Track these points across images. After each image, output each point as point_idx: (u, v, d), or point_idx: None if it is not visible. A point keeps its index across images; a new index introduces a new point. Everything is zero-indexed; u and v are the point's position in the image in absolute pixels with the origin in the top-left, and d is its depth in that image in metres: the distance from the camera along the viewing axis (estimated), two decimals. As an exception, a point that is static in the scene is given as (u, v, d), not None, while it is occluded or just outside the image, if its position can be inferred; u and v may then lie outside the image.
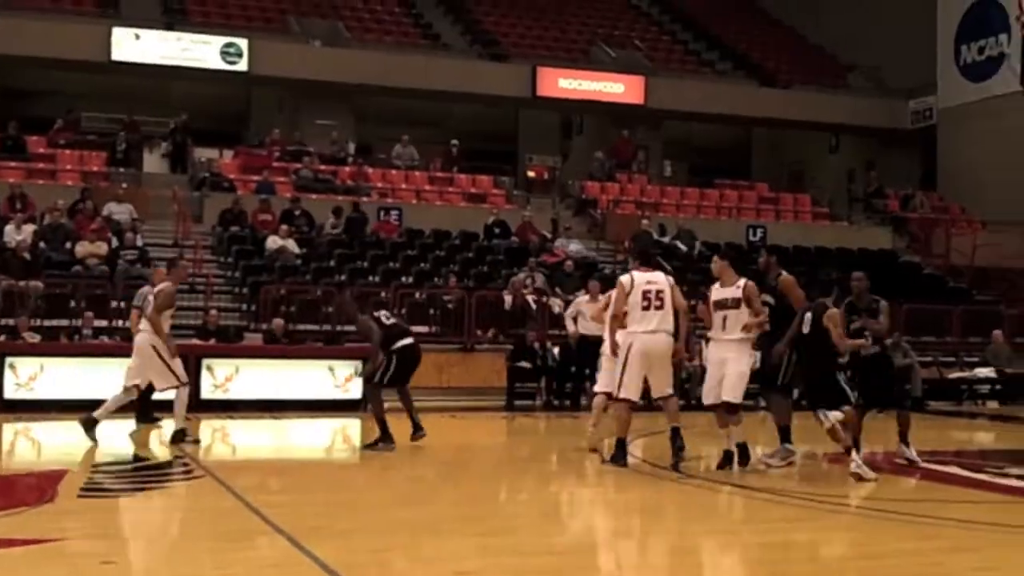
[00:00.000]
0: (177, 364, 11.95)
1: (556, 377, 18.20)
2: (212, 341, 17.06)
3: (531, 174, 32.89)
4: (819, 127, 32.33)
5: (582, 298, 17.24)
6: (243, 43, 27.07)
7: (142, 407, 13.12)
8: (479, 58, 30.46)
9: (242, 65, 27.03)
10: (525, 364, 18.14)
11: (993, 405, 20.56)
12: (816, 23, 35.74)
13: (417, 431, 11.76)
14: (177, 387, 11.91)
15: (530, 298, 20.25)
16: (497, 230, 23.88)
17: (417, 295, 20.40)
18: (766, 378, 11.06)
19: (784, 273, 10.91)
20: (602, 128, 31.41)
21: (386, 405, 11.86)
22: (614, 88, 29.98)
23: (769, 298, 10.58)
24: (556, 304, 19.94)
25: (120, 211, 21.69)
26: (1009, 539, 7.61)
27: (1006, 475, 10.62)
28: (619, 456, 10.36)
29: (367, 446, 11.91)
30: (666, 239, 24.47)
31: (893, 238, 27.94)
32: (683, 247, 24.41)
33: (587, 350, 17.17)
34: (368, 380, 12.81)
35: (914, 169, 32.77)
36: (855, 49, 33.95)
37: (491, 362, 18.98)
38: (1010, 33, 28.60)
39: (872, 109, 32.07)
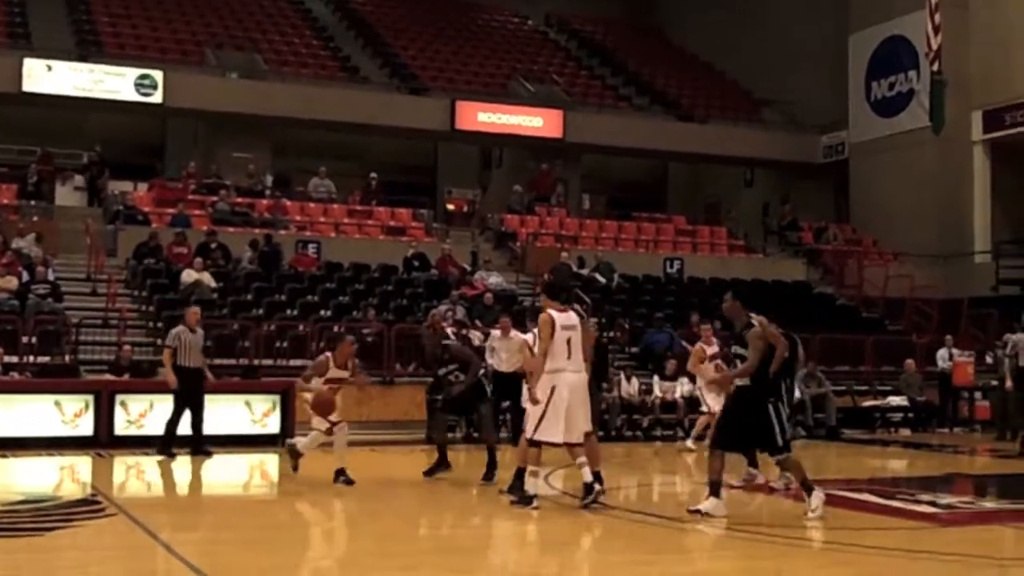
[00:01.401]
0: None
1: (473, 412, 18.08)
2: (126, 376, 16.75)
3: (450, 207, 32.94)
4: (734, 161, 32.82)
5: (495, 333, 17.20)
6: (158, 75, 26.77)
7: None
8: (398, 91, 30.46)
9: (157, 97, 26.71)
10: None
11: (905, 433, 20.93)
12: (732, 59, 36.37)
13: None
14: None
15: (450, 331, 20.17)
16: (416, 263, 23.83)
17: (336, 328, 20.20)
18: (763, 438, 10.47)
19: (755, 317, 9.85)
20: (521, 161, 31.57)
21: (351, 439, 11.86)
22: (533, 122, 30.17)
23: (742, 350, 9.63)
24: (476, 337, 19.89)
25: (25, 244, 21.25)
26: (920, 565, 7.74)
27: (918, 501, 10.80)
28: (517, 487, 10.28)
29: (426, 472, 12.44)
30: (585, 271, 24.62)
31: (807, 270, 28.40)
32: (602, 279, 24.57)
33: (503, 385, 17.14)
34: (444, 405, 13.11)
35: (827, 202, 33.37)
36: (769, 84, 34.59)
37: (411, 395, 18.87)
38: (919, 70, 29.29)
39: (786, 143, 32.65)
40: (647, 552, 8.45)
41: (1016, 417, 17.63)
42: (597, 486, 10.04)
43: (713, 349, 17.63)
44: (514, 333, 15.34)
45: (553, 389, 9.91)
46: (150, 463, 13.90)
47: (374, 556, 8.07)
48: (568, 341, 9.98)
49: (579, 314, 10.58)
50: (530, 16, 39.36)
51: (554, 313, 10.02)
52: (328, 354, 12.17)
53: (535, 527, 9.63)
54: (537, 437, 10.02)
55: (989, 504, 11.43)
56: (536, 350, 10.52)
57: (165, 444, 14.34)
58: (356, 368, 12.42)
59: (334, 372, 11.97)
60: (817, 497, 9.38)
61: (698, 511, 9.39)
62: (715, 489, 9.47)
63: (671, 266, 26.44)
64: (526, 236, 26.78)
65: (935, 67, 27.76)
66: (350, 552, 8.12)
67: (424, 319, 20.76)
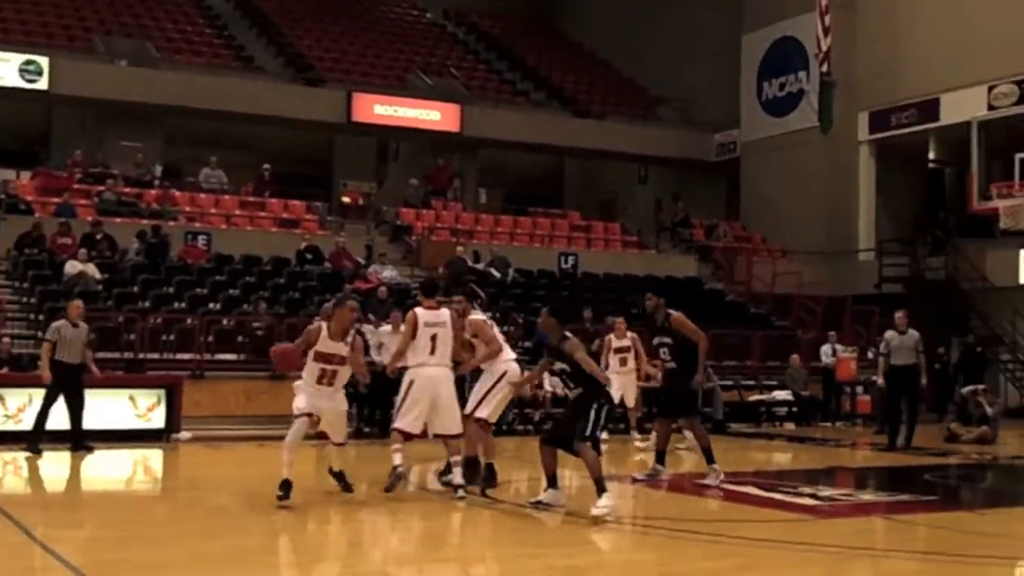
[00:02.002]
0: None
1: (367, 405, 18.04)
2: (4, 370, 16.29)
3: (345, 200, 32.69)
4: (630, 158, 33.13)
5: (385, 328, 17.17)
6: (44, 61, 26.07)
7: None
8: (293, 82, 30.11)
9: (42, 83, 26.02)
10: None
11: (790, 426, 21.38)
12: (628, 57, 36.71)
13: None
14: None
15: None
16: (309, 256, 23.57)
17: (225, 322, 19.93)
18: (686, 406, 12.00)
19: (672, 312, 11.94)
20: (418, 155, 31.46)
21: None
22: (430, 115, 30.09)
23: (667, 339, 11.87)
24: (369, 331, 19.77)
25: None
26: (798, 556, 7.90)
27: (799, 494, 11.03)
28: (392, 479, 10.40)
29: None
30: (480, 266, 24.63)
31: (699, 266, 28.81)
32: (497, 274, 24.61)
33: (393, 381, 17.07)
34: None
35: (719, 199, 33.91)
36: (665, 83, 34.99)
37: (302, 390, 18.66)
38: (809, 70, 29.88)
39: (680, 141, 33.06)
40: (534, 545, 8.49)
41: (887, 413, 18.00)
42: (400, 470, 10.36)
43: (623, 342, 17.87)
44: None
45: (412, 382, 10.26)
46: (25, 459, 13.54)
47: (262, 553, 7.98)
48: (433, 338, 10.28)
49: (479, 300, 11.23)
50: (428, 9, 39.24)
51: (419, 311, 10.40)
52: (322, 323, 10.10)
53: (423, 521, 9.61)
54: (396, 425, 10.38)
55: (867, 496, 11.71)
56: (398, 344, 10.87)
57: (32, 440, 13.97)
58: (358, 343, 10.25)
59: (327, 345, 9.81)
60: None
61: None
62: (660, 457, 11.87)
63: (566, 261, 26.60)
64: (422, 230, 26.69)
65: (824, 68, 28.34)
66: (237, 548, 8.01)
67: (317, 313, 20.60)
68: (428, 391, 10.19)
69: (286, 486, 9.62)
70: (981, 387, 19.27)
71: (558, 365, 9.62)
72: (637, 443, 16.48)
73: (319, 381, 9.94)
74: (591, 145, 32.05)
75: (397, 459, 10.24)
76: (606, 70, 37.66)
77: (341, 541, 8.96)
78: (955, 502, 11.86)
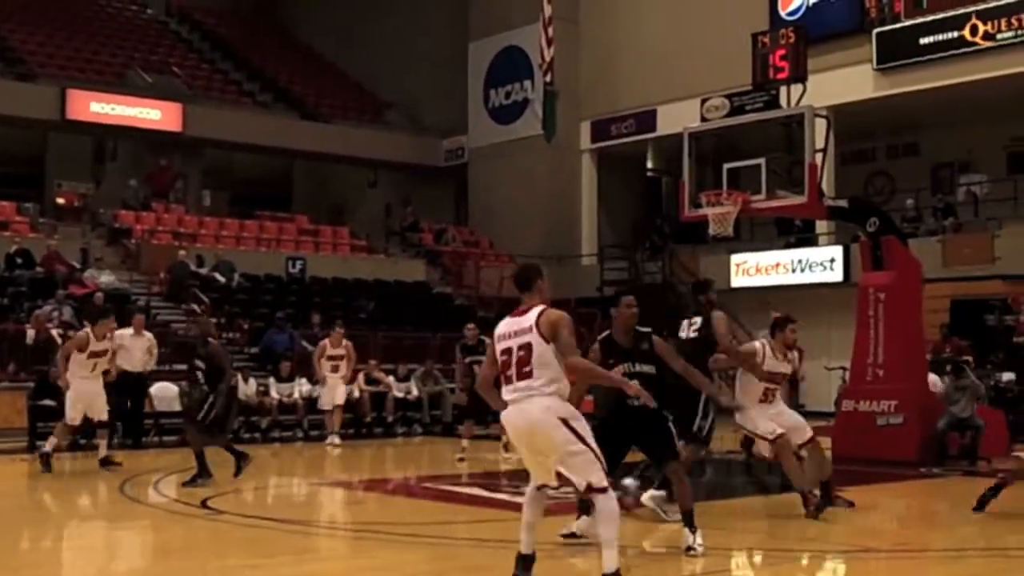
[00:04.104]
0: None
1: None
2: None
3: (60, 201, 30.99)
4: (359, 161, 32.97)
5: (125, 332, 16.47)
6: None
7: None
8: (2, 76, 28.35)
9: None
10: (49, 402, 16.92)
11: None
12: (357, 61, 36.53)
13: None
14: None
15: (55, 332, 18.99)
16: (20, 260, 22.25)
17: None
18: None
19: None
20: (138, 155, 30.27)
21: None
22: (150, 114, 28.97)
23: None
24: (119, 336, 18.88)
25: None
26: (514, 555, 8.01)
27: (523, 494, 11.19)
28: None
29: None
30: (204, 270, 23.93)
31: (427, 270, 28.98)
32: (221, 279, 23.95)
33: (129, 387, 16.43)
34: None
35: (448, 204, 34.23)
36: (394, 87, 35.03)
37: (11, 401, 17.62)
38: (533, 80, 30.59)
39: (409, 146, 33.17)
40: (259, 556, 8.28)
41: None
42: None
43: (339, 351, 17.90)
44: (145, 332, 15.02)
45: None
46: None
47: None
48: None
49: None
50: (149, 5, 37.82)
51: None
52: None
53: (143, 535, 9.23)
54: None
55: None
56: None
57: None
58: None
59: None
60: None
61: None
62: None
63: (293, 266, 26.18)
64: (141, 233, 25.68)
65: (548, 78, 29.05)
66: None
67: (27, 320, 19.47)
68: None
69: None
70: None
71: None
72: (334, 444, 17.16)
73: None
74: (319, 148, 31.70)
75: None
76: (335, 73, 37.36)
77: (53, 557, 8.50)
78: (670, 497, 12.31)
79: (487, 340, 15.62)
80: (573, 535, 8.46)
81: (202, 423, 11.87)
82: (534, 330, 6.49)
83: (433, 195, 33.82)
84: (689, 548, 7.98)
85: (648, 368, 8.19)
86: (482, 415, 15.03)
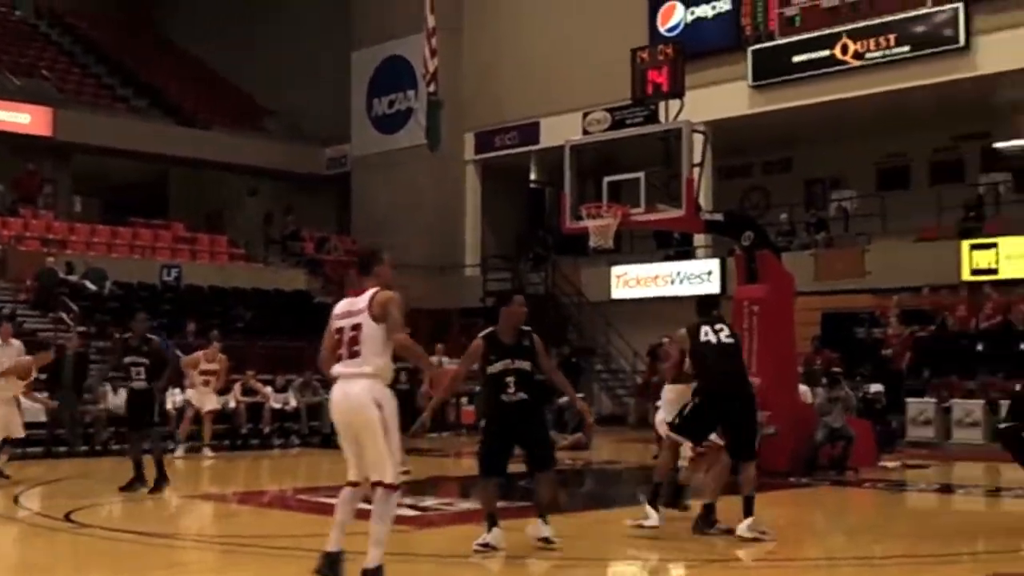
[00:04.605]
0: None
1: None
2: None
3: (-80, 206, 29.87)
4: (238, 169, 32.48)
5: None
6: None
7: None
8: None
9: None
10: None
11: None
12: (238, 67, 35.97)
13: None
14: None
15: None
16: None
17: None
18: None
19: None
20: (4, 159, 29.31)
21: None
22: (18, 118, 28.11)
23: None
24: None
25: None
26: (392, 567, 7.93)
27: (399, 504, 11.10)
28: None
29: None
30: (73, 278, 23.27)
31: (308, 279, 28.64)
32: (92, 286, 23.32)
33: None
34: None
35: (330, 213, 33.92)
36: (275, 95, 34.60)
37: None
38: (417, 90, 30.51)
39: (290, 154, 32.79)
40: (124, 571, 8.06)
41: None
42: None
43: (212, 365, 17.64)
44: (13, 340, 14.62)
45: None
46: None
47: None
48: None
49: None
50: (18, 7, 36.68)
51: None
52: None
53: (2, 550, 8.91)
54: None
55: (467, 505, 11.97)
56: None
57: None
58: None
59: None
60: None
61: None
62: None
63: (168, 274, 25.62)
64: (8, 239, 24.87)
65: (431, 88, 28.98)
66: None
67: None
68: None
69: None
70: (579, 395, 20.27)
71: None
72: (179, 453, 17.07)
73: None
74: (196, 155, 31.15)
75: None
76: (214, 79, 36.74)
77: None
78: (548, 507, 12.34)
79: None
80: (547, 539, 8.54)
81: (152, 422, 12.53)
82: (366, 311, 6.80)
83: (315, 204, 33.47)
84: (547, 539, 8.44)
85: (525, 364, 8.46)
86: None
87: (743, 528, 8.81)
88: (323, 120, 33.27)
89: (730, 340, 9.26)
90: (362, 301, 6.86)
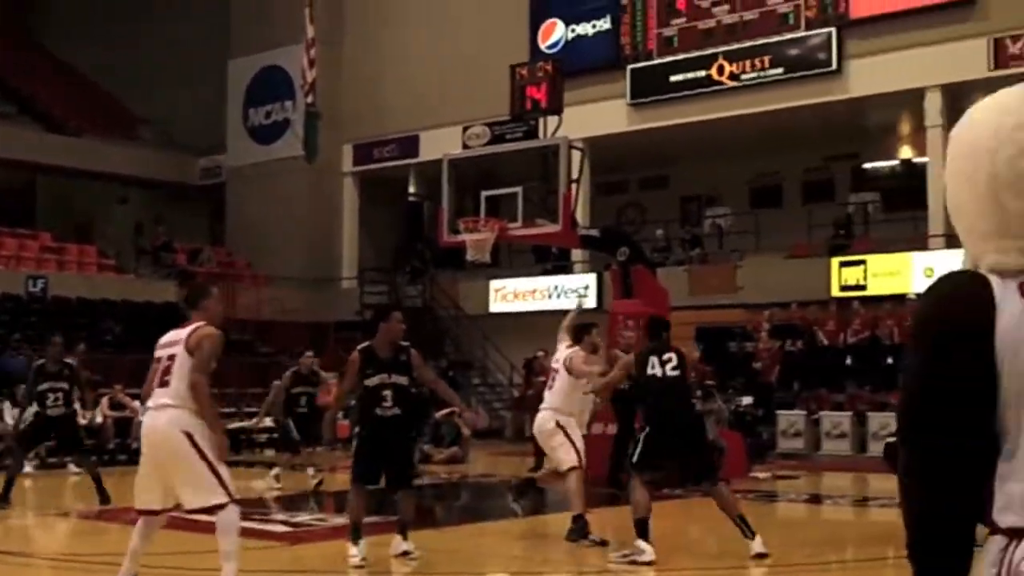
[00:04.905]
0: None
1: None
2: None
3: None
4: (108, 178, 31.71)
5: None
6: None
7: None
8: None
9: None
10: None
11: (270, 453, 21.29)
12: (110, 74, 35.09)
13: None
14: None
15: None
16: None
17: None
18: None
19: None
20: None
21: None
22: None
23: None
24: None
25: None
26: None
27: (272, 521, 10.93)
28: None
29: None
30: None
31: (179, 292, 27.99)
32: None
33: None
34: None
35: (203, 224, 33.32)
36: (149, 103, 33.86)
37: None
38: (295, 101, 30.16)
39: (162, 163, 32.15)
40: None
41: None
42: None
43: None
44: None
45: None
46: None
47: None
48: None
49: None
50: None
51: None
52: None
53: None
54: None
55: (341, 520, 11.79)
56: None
57: None
58: None
59: None
60: None
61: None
62: None
63: (34, 285, 24.82)
64: None
65: (309, 99, 28.64)
66: None
67: None
68: None
69: None
70: (456, 410, 20.22)
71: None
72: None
73: None
74: (65, 163, 30.31)
75: None
76: (86, 85, 35.81)
77: None
78: (424, 521, 12.27)
79: (321, 372, 15.41)
80: (406, 552, 8.66)
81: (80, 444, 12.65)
82: (182, 343, 6.79)
83: (188, 214, 32.83)
84: (407, 552, 8.63)
85: (403, 379, 8.57)
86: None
87: (758, 545, 8.74)
88: (198, 129, 32.67)
89: (675, 373, 9.14)
90: (183, 333, 6.86)
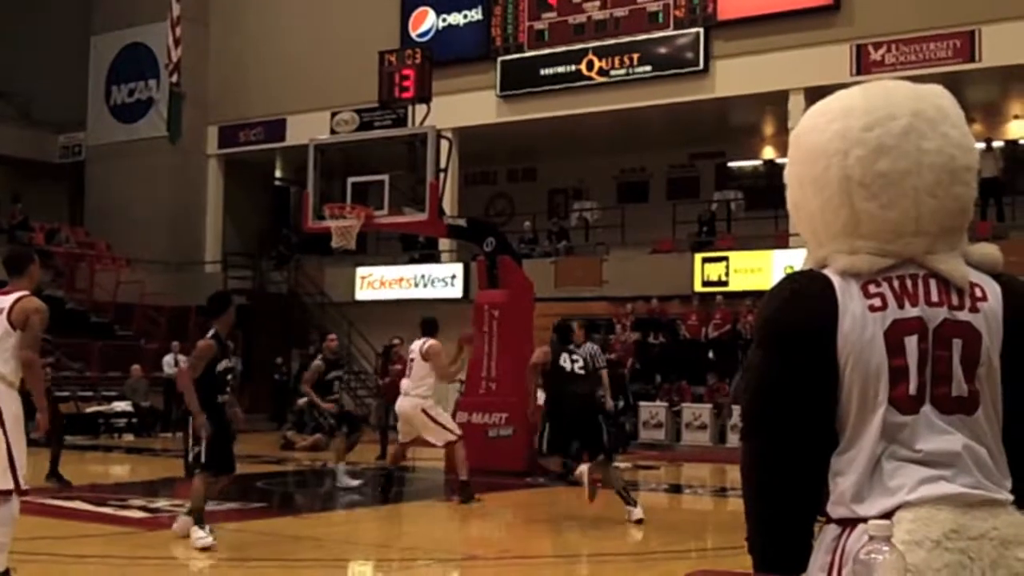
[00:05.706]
0: None
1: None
2: None
3: None
4: (-38, 153, 30.56)
5: None
6: None
7: None
8: None
9: None
10: None
11: (129, 438, 20.91)
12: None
13: None
14: None
15: None
16: None
17: None
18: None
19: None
20: None
21: None
22: None
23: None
24: None
25: None
26: (120, 570, 7.67)
27: (130, 507, 10.76)
28: None
29: None
30: None
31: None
32: None
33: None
34: None
35: (62, 203, 32.35)
36: (7, 76, 32.61)
37: None
38: (159, 80, 29.50)
39: (19, 140, 31.07)
40: None
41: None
42: None
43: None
44: None
45: None
46: None
47: None
48: None
49: None
50: None
51: None
52: None
53: None
54: None
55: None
56: None
57: None
58: None
59: None
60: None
61: None
62: None
63: None
64: None
65: (174, 79, 28.06)
66: None
67: None
68: None
69: None
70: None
71: None
72: None
73: None
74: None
75: None
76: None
77: None
78: (283, 508, 12.23)
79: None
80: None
81: None
82: (4, 312, 6.24)
83: (46, 193, 31.80)
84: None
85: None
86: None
87: (638, 512, 10.09)
88: (57, 106, 31.67)
89: (581, 372, 10.68)
90: (4, 302, 6.28)
